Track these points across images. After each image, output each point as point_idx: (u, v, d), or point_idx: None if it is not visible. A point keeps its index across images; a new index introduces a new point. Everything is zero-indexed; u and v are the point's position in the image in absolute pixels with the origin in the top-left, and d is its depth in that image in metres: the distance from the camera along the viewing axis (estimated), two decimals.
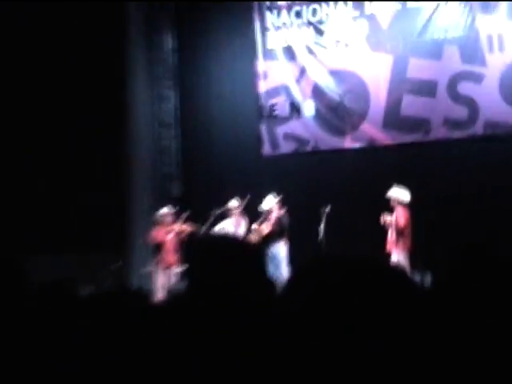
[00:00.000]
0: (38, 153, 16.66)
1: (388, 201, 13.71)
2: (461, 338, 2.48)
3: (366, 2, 15.87)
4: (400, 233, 13.54)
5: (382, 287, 1.88)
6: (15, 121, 16.47)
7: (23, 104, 16.57)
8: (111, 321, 2.85)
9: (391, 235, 13.69)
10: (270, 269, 14.33)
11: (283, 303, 2.04)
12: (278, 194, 14.96)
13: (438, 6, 15.28)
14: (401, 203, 13.61)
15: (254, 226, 15.07)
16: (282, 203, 14.97)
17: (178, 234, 15.10)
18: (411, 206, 13.61)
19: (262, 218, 14.97)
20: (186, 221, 15.31)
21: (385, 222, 13.75)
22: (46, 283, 3.75)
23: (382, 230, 13.79)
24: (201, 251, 3.08)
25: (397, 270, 2.09)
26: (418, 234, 13.50)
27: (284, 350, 1.92)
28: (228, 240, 3.81)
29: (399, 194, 13.73)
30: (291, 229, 14.93)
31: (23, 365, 3.07)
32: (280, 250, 14.88)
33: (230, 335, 2.61)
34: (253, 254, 3.02)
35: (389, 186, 13.71)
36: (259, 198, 14.93)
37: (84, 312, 3.03)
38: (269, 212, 14.94)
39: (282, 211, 14.90)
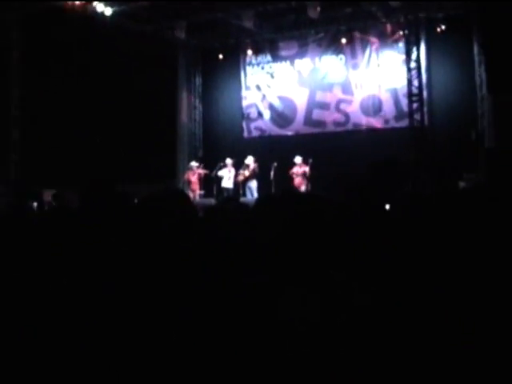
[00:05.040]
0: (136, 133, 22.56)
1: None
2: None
3: (296, 63, 24.25)
4: (304, 176, 21.25)
5: (314, 203, 2.80)
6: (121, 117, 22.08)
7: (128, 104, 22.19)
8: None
9: (299, 178, 21.08)
10: (248, 195, 21.65)
11: (256, 213, 3.06)
12: (252, 156, 22.14)
13: (330, 67, 23.67)
14: (300, 162, 21.18)
15: (240, 171, 22.07)
16: (255, 160, 21.98)
17: (198, 174, 22.86)
18: (311, 164, 20.73)
19: (243, 167, 22.01)
20: (202, 168, 23.02)
21: (292, 173, 21.18)
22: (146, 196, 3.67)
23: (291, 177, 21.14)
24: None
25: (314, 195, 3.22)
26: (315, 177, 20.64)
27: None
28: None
29: (300, 159, 21.23)
30: (259, 174, 21.93)
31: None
32: (253, 185, 22.03)
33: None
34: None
35: (301, 154, 21.32)
36: (241, 158, 22.19)
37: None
38: (248, 165, 22.01)
39: (255, 164, 21.90)
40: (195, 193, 22.59)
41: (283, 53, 24.78)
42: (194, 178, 22.93)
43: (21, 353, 2.97)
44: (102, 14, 20.78)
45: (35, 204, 16.97)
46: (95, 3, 20.55)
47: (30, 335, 3.01)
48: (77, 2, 19.89)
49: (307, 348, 2.45)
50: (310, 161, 21.10)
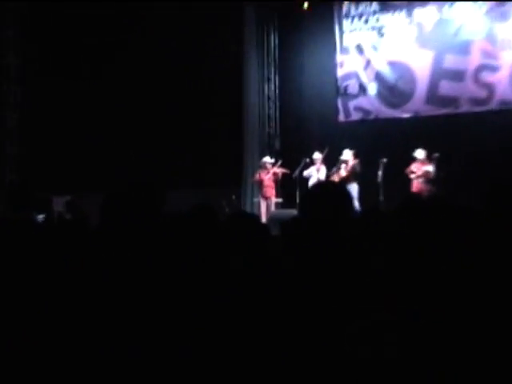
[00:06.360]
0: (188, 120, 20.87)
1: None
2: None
3: (415, 13, 20.38)
4: (426, 177, 17.99)
5: (453, 212, 2.99)
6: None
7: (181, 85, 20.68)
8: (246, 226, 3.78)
9: (419, 180, 18.10)
10: None
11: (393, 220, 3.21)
12: (351, 149, 19.22)
13: (466, 18, 19.67)
14: (422, 158, 18.17)
15: (334, 170, 19.26)
16: (355, 155, 19.13)
17: (274, 174, 19.76)
18: (438, 160, 17.84)
19: (338, 165, 19.13)
20: (280, 166, 20.03)
21: (410, 171, 18.19)
22: (197, 205, 4.22)
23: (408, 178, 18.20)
24: (314, 193, 3.65)
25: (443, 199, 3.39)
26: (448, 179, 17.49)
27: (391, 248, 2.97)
28: (333, 186, 4.55)
29: (422, 153, 18.22)
30: (361, 174, 18.97)
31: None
32: (353, 189, 18.71)
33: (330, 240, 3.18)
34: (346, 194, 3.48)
35: (423, 146, 18.22)
36: (336, 152, 19.11)
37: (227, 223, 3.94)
38: (346, 161, 19.13)
39: (356, 161, 19.01)
40: (270, 200, 19.58)
41: None
42: (267, 180, 19.74)
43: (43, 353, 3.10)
44: None
45: (41, 216, 13.87)
46: None
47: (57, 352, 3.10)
48: None
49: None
50: (436, 155, 17.78)
